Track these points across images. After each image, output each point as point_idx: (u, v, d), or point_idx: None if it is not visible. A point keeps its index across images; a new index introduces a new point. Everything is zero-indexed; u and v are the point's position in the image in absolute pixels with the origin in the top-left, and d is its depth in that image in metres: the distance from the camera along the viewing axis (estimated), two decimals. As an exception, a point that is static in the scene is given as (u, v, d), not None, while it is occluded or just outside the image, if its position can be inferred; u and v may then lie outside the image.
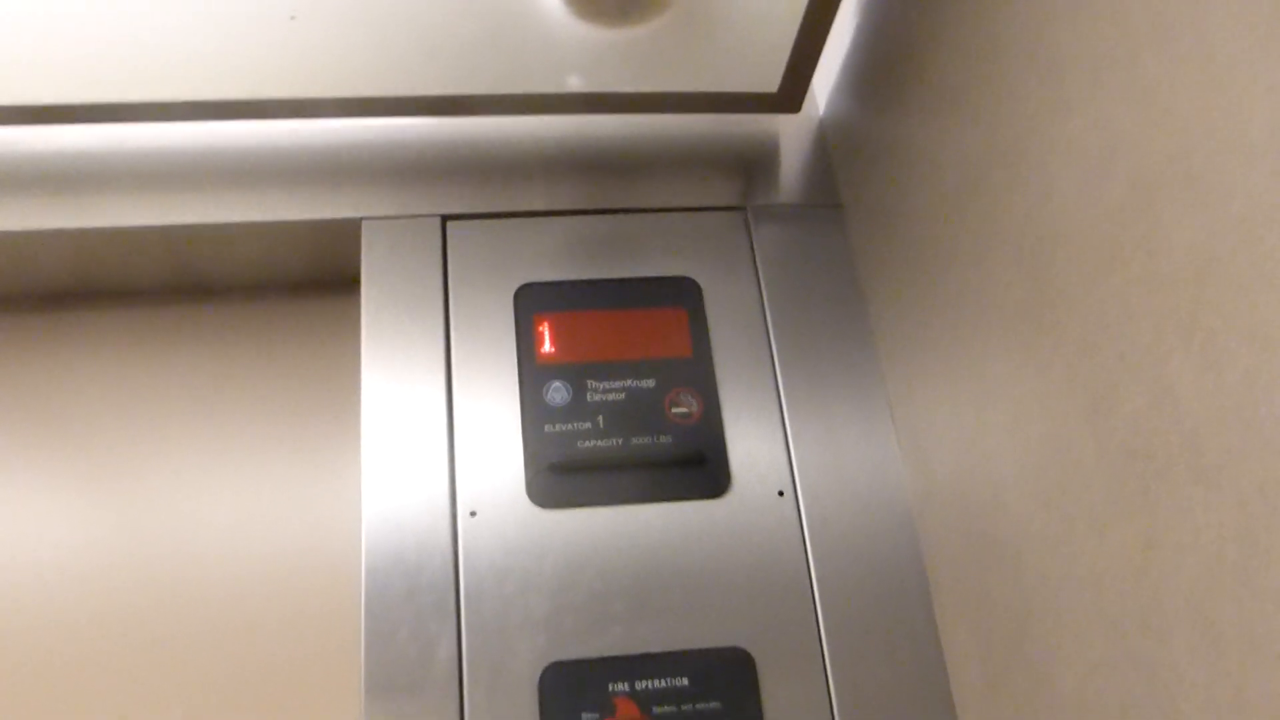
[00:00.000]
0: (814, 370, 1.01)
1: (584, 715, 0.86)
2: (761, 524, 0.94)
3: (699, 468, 0.96)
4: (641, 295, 1.03)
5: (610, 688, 0.87)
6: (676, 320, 1.02)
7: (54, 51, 0.94)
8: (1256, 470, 0.52)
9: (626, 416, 0.97)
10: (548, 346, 1.00)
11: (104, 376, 1.13)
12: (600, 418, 0.97)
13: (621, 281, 1.04)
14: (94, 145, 1.06)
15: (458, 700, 0.85)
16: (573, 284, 1.03)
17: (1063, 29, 0.68)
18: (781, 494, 0.96)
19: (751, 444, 0.98)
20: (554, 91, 1.04)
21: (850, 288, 1.06)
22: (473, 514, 0.92)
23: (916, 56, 0.91)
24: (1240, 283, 0.52)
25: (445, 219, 1.05)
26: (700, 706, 0.87)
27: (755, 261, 1.07)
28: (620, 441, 0.96)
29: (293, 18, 0.92)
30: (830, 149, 1.14)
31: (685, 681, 0.88)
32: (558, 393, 0.98)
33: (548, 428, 0.96)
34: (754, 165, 1.13)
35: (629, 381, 0.99)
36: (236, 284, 1.17)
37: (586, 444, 0.96)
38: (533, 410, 0.97)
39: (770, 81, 1.06)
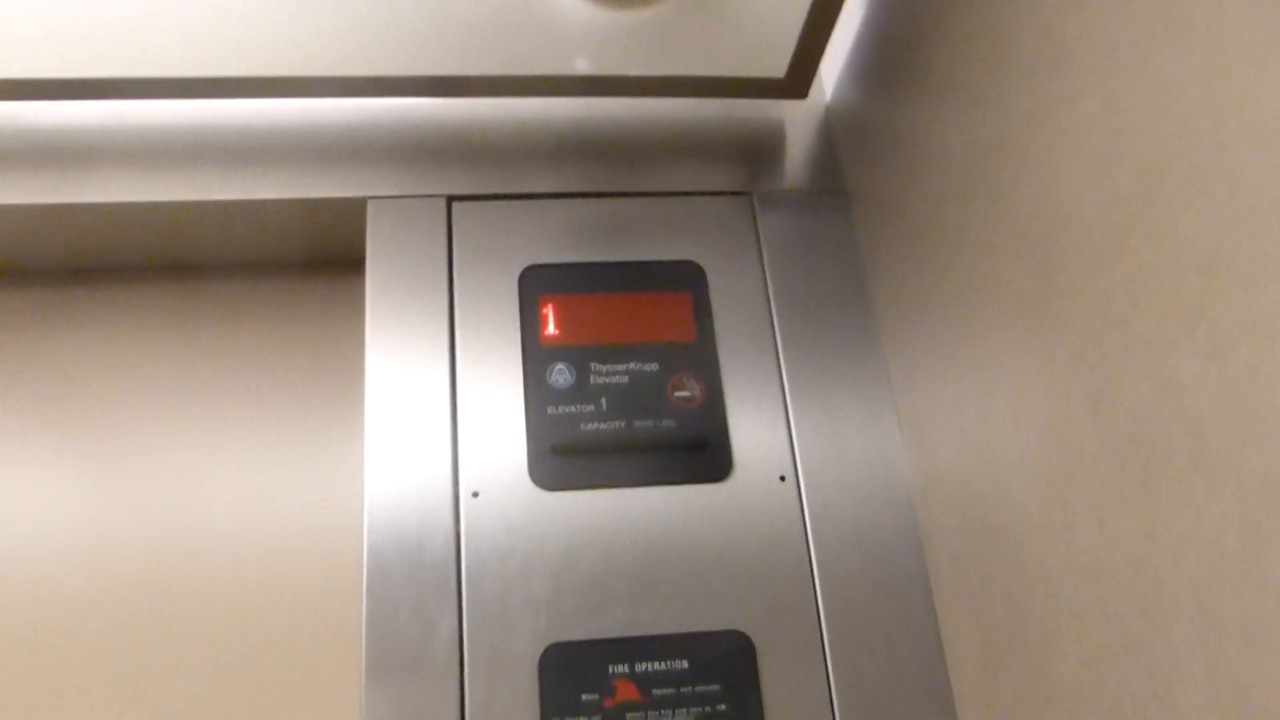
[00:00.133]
0: (817, 356, 1.01)
1: (583, 696, 0.86)
2: (763, 509, 0.95)
3: (701, 452, 0.96)
4: (646, 279, 1.04)
5: (610, 669, 0.87)
6: (681, 304, 1.02)
7: (60, 26, 0.94)
8: (1258, 461, 0.52)
9: (629, 399, 0.97)
10: (552, 328, 1.00)
11: (105, 355, 1.13)
12: (603, 400, 0.97)
13: (626, 265, 1.04)
14: (98, 121, 1.06)
15: (458, 679, 0.86)
16: (578, 266, 1.03)
17: (1072, 17, 0.68)
18: (783, 479, 0.96)
19: (754, 429, 0.98)
20: (561, 74, 1.03)
21: (855, 274, 1.06)
22: (475, 495, 0.92)
23: (925, 44, 0.91)
24: (1246, 274, 0.52)
25: (451, 199, 1.05)
26: (699, 689, 0.87)
27: (760, 247, 1.07)
28: (623, 424, 0.96)
29: (301, -4, 0.92)
30: (837, 136, 1.14)
31: (685, 664, 0.88)
32: (561, 375, 0.98)
33: (551, 410, 0.96)
34: (760, 151, 1.13)
35: (632, 365, 0.99)
36: (240, 262, 1.17)
37: (589, 426, 0.96)
38: (536, 392, 0.97)
39: (777, 67, 1.06)
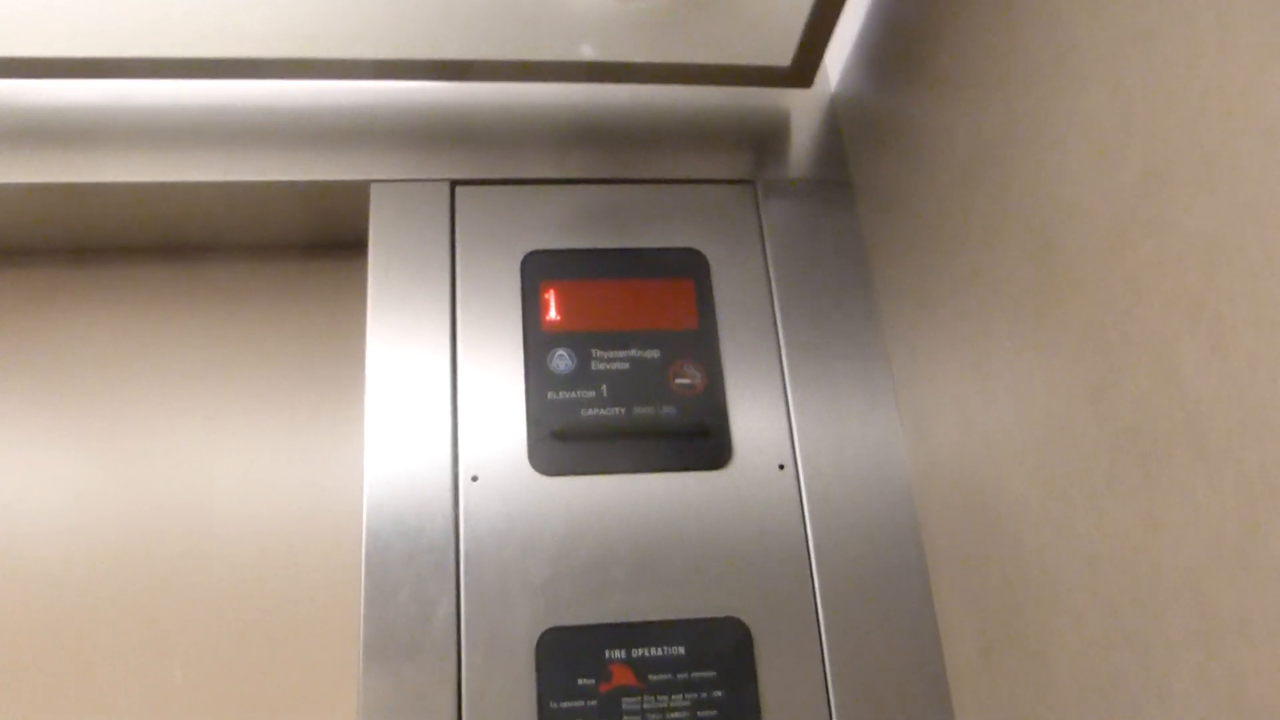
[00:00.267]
0: (818, 345, 1.01)
1: (580, 681, 0.86)
2: (761, 497, 0.95)
3: (701, 439, 0.96)
4: (648, 266, 1.04)
5: (607, 654, 0.88)
6: (683, 292, 1.02)
7: (61, 3, 0.93)
8: (1258, 453, 0.52)
9: (630, 386, 0.97)
10: (553, 314, 1.00)
11: (105, 336, 1.13)
12: (604, 386, 0.97)
13: (629, 252, 1.04)
14: (99, 101, 1.05)
15: (455, 663, 0.86)
16: (580, 253, 1.04)
17: (1079, 8, 0.67)
18: (782, 467, 0.96)
19: (754, 417, 0.98)
20: (566, 59, 1.03)
21: (857, 264, 1.06)
22: (474, 479, 0.93)
23: (931, 33, 0.90)
24: (1249, 266, 0.52)
25: (454, 184, 1.05)
26: (696, 676, 0.88)
27: (763, 236, 1.07)
28: (623, 411, 0.96)
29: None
30: (841, 125, 1.14)
31: (682, 650, 0.88)
32: (562, 360, 0.98)
33: (551, 395, 0.96)
34: (764, 140, 1.13)
35: (633, 351, 0.99)
36: (242, 244, 1.17)
37: (589, 412, 0.96)
38: (537, 377, 0.97)
39: (783, 56, 1.06)
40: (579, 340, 0.99)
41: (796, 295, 1.03)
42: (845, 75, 1.13)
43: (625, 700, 0.86)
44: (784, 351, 1.01)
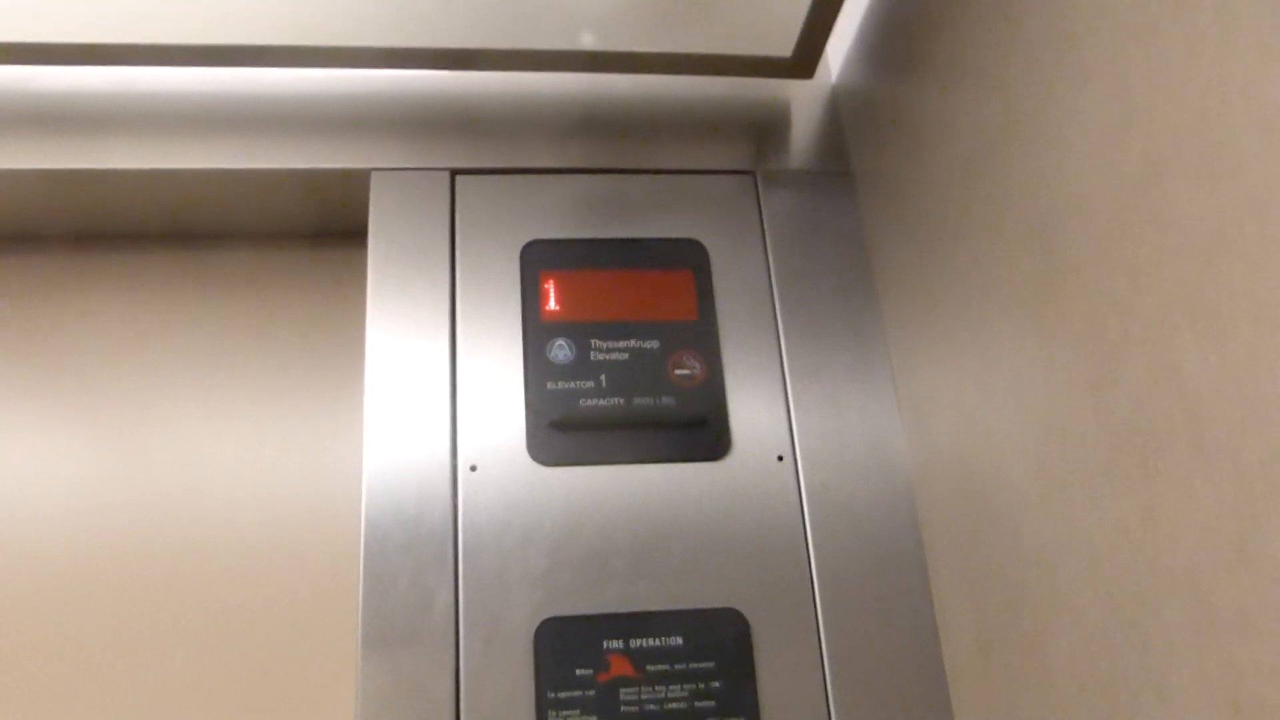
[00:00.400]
0: (818, 337, 1.01)
1: (578, 671, 0.87)
2: (760, 488, 0.95)
3: (700, 430, 0.96)
4: (648, 256, 1.03)
5: (605, 644, 0.88)
6: (682, 282, 1.02)
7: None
8: (1257, 446, 0.52)
9: (629, 376, 0.97)
10: (553, 304, 1.00)
11: (107, 323, 1.13)
12: (603, 377, 0.97)
13: (629, 242, 1.04)
14: (103, 87, 1.05)
15: (454, 652, 0.86)
16: (580, 242, 1.03)
17: (1081, 0, 0.67)
18: (781, 459, 0.96)
19: (753, 408, 0.98)
20: (567, 49, 1.03)
21: (858, 255, 1.06)
22: (473, 469, 0.93)
23: (932, 24, 0.90)
24: (1248, 259, 0.52)
25: (454, 173, 1.05)
26: (694, 666, 0.88)
27: (763, 226, 1.07)
28: (622, 401, 0.96)
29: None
30: (842, 116, 1.14)
31: (679, 641, 0.88)
32: (561, 350, 0.98)
33: (550, 385, 0.96)
34: (765, 130, 1.13)
35: (633, 342, 0.99)
36: (243, 232, 1.17)
37: (588, 403, 0.96)
38: (536, 367, 0.97)
39: (784, 46, 1.05)
40: (578, 330, 0.99)
41: (796, 286, 1.03)
42: (846, 66, 1.13)
43: (623, 690, 0.86)
44: (783, 342, 1.01)
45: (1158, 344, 0.60)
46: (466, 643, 0.87)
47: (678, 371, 0.98)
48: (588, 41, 1.02)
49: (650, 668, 0.87)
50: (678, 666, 0.88)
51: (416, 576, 0.88)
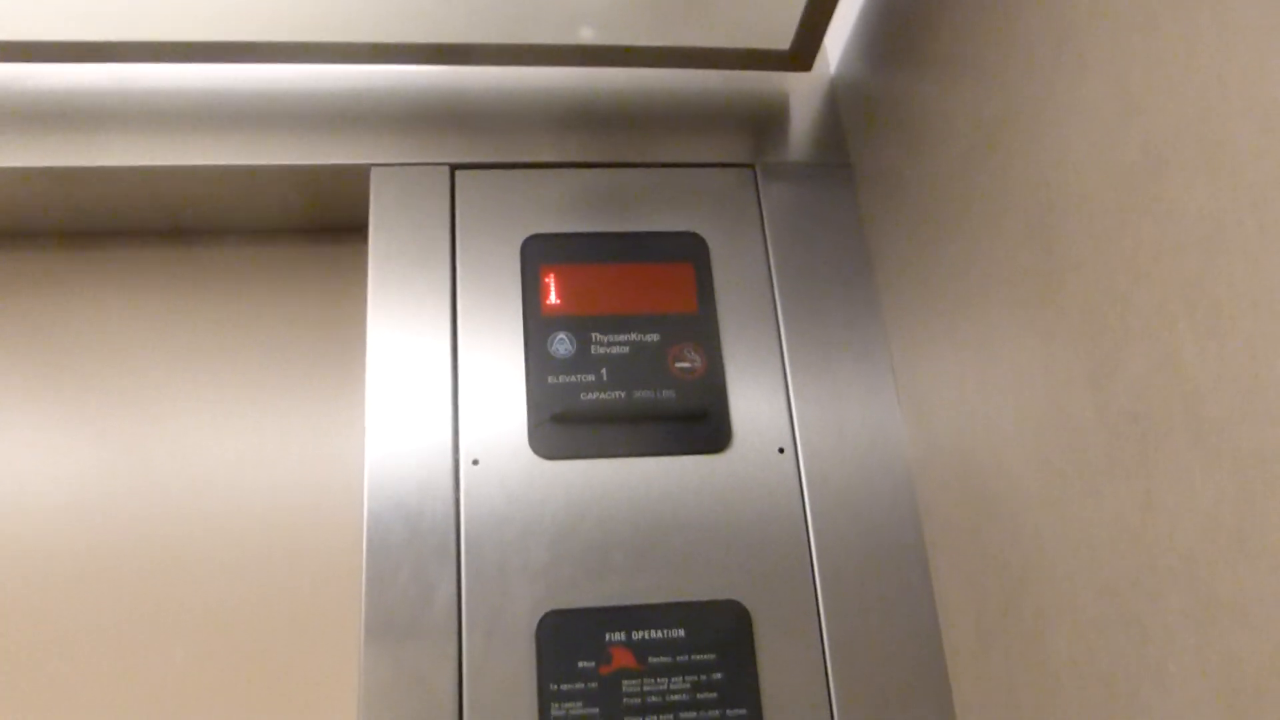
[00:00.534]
0: (818, 329, 1.01)
1: (580, 663, 0.87)
2: (761, 480, 0.95)
3: (701, 422, 0.96)
4: (648, 250, 1.04)
5: (607, 637, 0.88)
6: (682, 276, 1.02)
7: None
8: (1255, 437, 0.52)
9: (630, 370, 0.98)
10: (553, 298, 1.00)
11: (106, 320, 1.13)
12: (604, 370, 0.97)
13: (628, 235, 1.04)
14: (98, 84, 1.05)
15: (456, 644, 0.86)
16: (580, 236, 1.04)
17: (1080, -9, 0.67)
18: (782, 451, 0.96)
19: (753, 400, 0.98)
20: (565, 43, 1.03)
21: (857, 247, 1.06)
22: (475, 462, 0.93)
23: (931, 16, 0.90)
24: (1247, 250, 0.52)
25: (454, 168, 1.05)
26: (696, 658, 0.88)
27: (763, 219, 1.07)
28: (623, 394, 0.97)
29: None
30: (841, 108, 1.14)
31: (681, 633, 0.89)
32: (562, 344, 0.98)
33: (551, 379, 0.97)
34: (764, 123, 1.13)
35: (633, 335, 0.99)
36: (244, 228, 1.17)
37: (589, 396, 0.96)
38: (537, 361, 0.97)
39: (783, 39, 1.05)
40: (579, 324, 0.99)
41: (796, 279, 1.04)
42: (845, 58, 1.13)
43: (625, 682, 0.87)
44: (783, 335, 1.01)
45: (1157, 336, 0.60)
46: (469, 635, 0.87)
47: (678, 364, 0.98)
48: (586, 36, 1.02)
49: (652, 659, 0.88)
50: (679, 658, 0.88)
51: (418, 570, 0.88)
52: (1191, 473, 0.57)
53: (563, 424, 0.95)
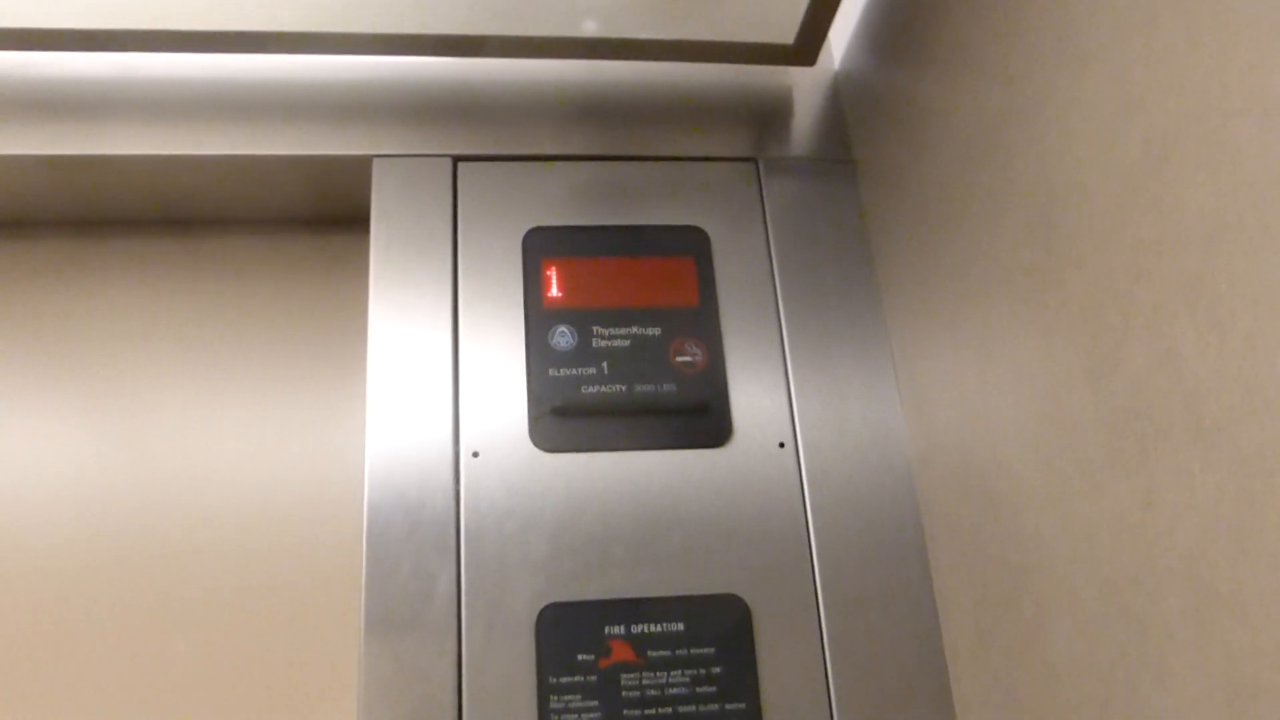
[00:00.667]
0: (819, 323, 1.01)
1: (579, 656, 0.87)
2: (761, 474, 0.95)
3: (701, 416, 0.96)
4: (650, 243, 1.03)
5: (606, 630, 0.88)
6: (684, 269, 1.02)
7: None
8: (1255, 433, 0.52)
9: (631, 363, 0.98)
10: (555, 291, 1.00)
11: (107, 309, 1.13)
12: (605, 364, 0.97)
13: (630, 229, 1.04)
14: (103, 73, 1.05)
15: (456, 637, 0.86)
16: (582, 229, 1.03)
17: (1084, -14, 0.67)
18: (782, 445, 0.96)
19: (754, 395, 0.98)
20: (569, 36, 1.03)
21: (859, 242, 1.06)
22: (475, 455, 0.93)
23: (934, 11, 0.90)
24: (1248, 246, 0.52)
25: (456, 160, 1.05)
26: (695, 652, 0.88)
27: (765, 214, 1.07)
28: (624, 388, 0.97)
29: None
30: (844, 103, 1.14)
31: (681, 627, 0.89)
32: (563, 337, 0.98)
33: (552, 372, 0.97)
34: (767, 117, 1.13)
35: (634, 329, 0.99)
36: (246, 218, 1.17)
37: (590, 389, 0.96)
38: (538, 354, 0.97)
39: (786, 33, 1.05)
40: (580, 317, 0.99)
41: (798, 273, 1.03)
42: (849, 53, 1.13)
43: (624, 676, 0.87)
44: (785, 329, 1.01)
45: (1157, 331, 0.60)
46: (468, 628, 0.87)
47: (679, 358, 0.98)
48: (590, 28, 1.02)
49: (652, 653, 0.88)
50: (679, 652, 0.88)
51: (419, 562, 0.88)
52: (1191, 470, 0.57)
53: (563, 417, 0.95)
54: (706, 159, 1.09)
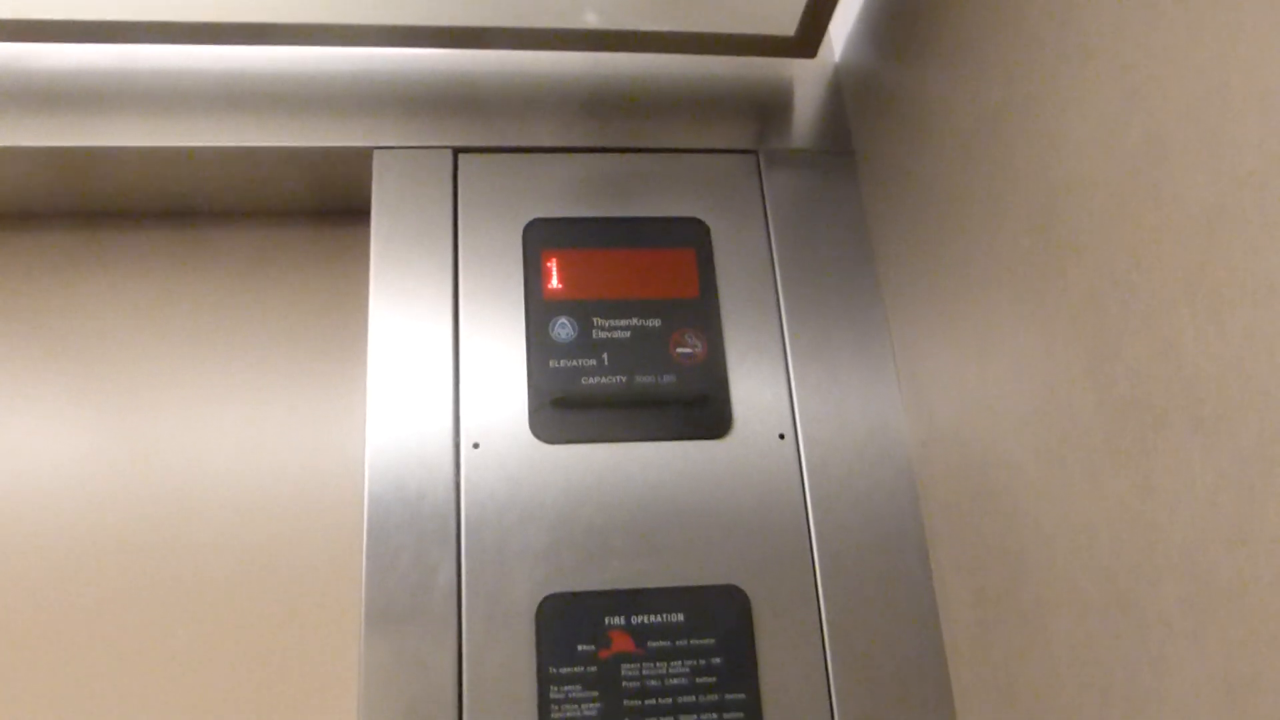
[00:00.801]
0: (819, 315, 1.01)
1: (580, 647, 0.87)
2: (761, 466, 0.95)
3: (701, 408, 0.96)
4: (650, 235, 1.04)
5: (606, 620, 0.88)
6: (684, 261, 1.02)
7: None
8: (1254, 423, 0.52)
9: (631, 355, 0.98)
10: (555, 282, 1.00)
11: (110, 300, 1.13)
12: (605, 355, 0.97)
13: (631, 220, 1.04)
14: (104, 65, 1.05)
15: (456, 628, 0.87)
16: (582, 221, 1.03)
17: (1084, -22, 0.67)
18: (782, 437, 0.96)
19: (754, 386, 0.98)
20: (570, 27, 1.03)
21: (859, 235, 1.06)
22: (475, 446, 0.93)
23: (936, 4, 0.90)
24: (1248, 237, 0.52)
25: (457, 151, 1.05)
26: (695, 642, 0.88)
27: (765, 206, 1.07)
28: (624, 379, 0.97)
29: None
30: (845, 95, 1.14)
31: (681, 617, 0.89)
32: (563, 329, 0.98)
33: (552, 363, 0.97)
34: (767, 109, 1.13)
35: (635, 320, 0.99)
36: (246, 209, 1.17)
37: (590, 380, 0.96)
38: (538, 345, 0.97)
39: (787, 25, 1.05)
40: (580, 309, 0.99)
41: (798, 265, 1.04)
42: (849, 45, 1.13)
43: (624, 666, 0.87)
44: (785, 321, 1.01)
45: (1157, 322, 0.60)
46: (468, 619, 0.87)
47: (679, 350, 0.98)
48: (591, 20, 1.02)
49: (651, 644, 0.88)
50: (679, 642, 0.88)
51: (419, 554, 0.89)
52: (1191, 459, 0.58)
53: (564, 408, 0.95)
54: (707, 151, 1.09)
